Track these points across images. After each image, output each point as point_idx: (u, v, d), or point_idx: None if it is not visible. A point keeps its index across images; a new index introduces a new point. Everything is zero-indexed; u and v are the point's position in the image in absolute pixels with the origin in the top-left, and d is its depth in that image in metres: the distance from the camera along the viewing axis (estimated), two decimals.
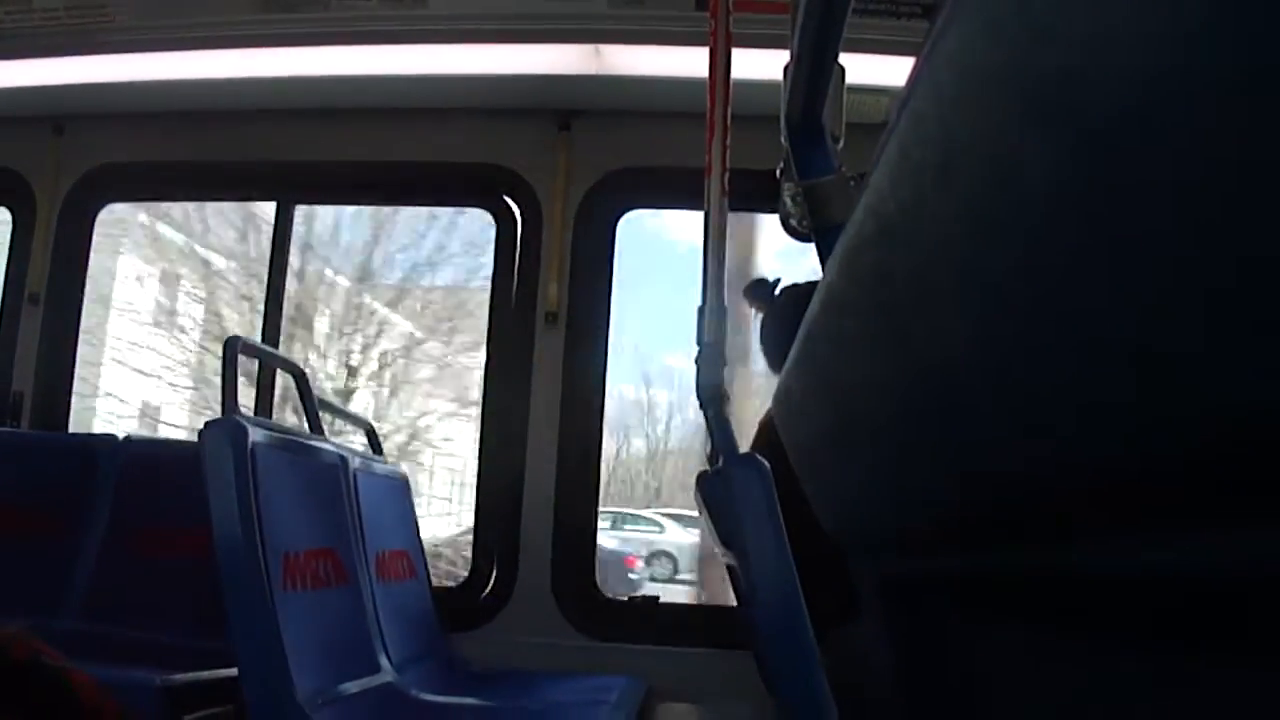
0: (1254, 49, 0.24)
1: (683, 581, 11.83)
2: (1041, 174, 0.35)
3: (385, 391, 12.17)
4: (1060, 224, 0.34)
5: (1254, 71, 0.24)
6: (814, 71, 1.25)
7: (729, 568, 2.52)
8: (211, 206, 10.37)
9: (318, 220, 10.97)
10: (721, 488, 1.72)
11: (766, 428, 2.78)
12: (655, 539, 12.54)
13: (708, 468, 2.22)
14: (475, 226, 10.53)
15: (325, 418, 3.29)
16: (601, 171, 3.73)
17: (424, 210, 10.71)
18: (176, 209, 10.97)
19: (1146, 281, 0.29)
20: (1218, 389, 0.28)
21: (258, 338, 3.71)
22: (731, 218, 1.96)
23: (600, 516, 3.72)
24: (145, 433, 10.62)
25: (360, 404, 11.12)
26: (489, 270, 3.87)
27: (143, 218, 11.25)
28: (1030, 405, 0.40)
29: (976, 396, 0.46)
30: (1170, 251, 0.28)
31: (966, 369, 0.46)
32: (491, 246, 3.85)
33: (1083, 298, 0.33)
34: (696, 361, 1.97)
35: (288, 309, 4.07)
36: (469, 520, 3.80)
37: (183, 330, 11.85)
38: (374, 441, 3.60)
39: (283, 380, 3.87)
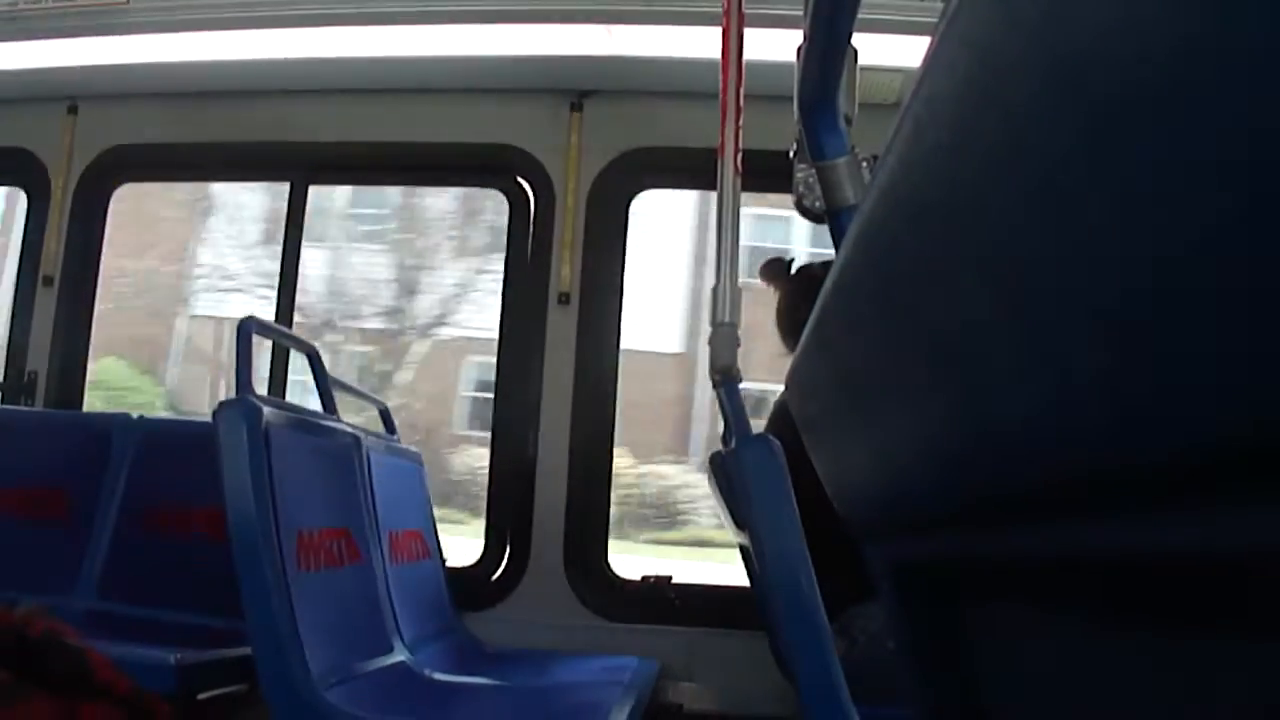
0: (1275, 27, 0.24)
1: None
2: (1056, 155, 0.35)
3: None
4: (1075, 205, 0.34)
5: (1273, 51, 0.24)
6: (827, 52, 1.24)
7: (742, 548, 2.52)
8: None
9: None
10: (734, 468, 1.72)
11: (781, 409, 2.78)
12: None
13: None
14: None
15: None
16: (614, 152, 3.73)
17: None
18: None
19: (1164, 264, 0.29)
20: (1237, 369, 0.27)
21: None
22: None
23: None
24: None
25: None
26: None
27: None
28: (1043, 387, 0.40)
29: (990, 378, 0.46)
30: (1188, 232, 0.28)
31: (980, 351, 0.46)
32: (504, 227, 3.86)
33: (1097, 280, 0.33)
34: (710, 341, 1.97)
35: None
36: None
37: None
38: (388, 421, 3.61)
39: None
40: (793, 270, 2.96)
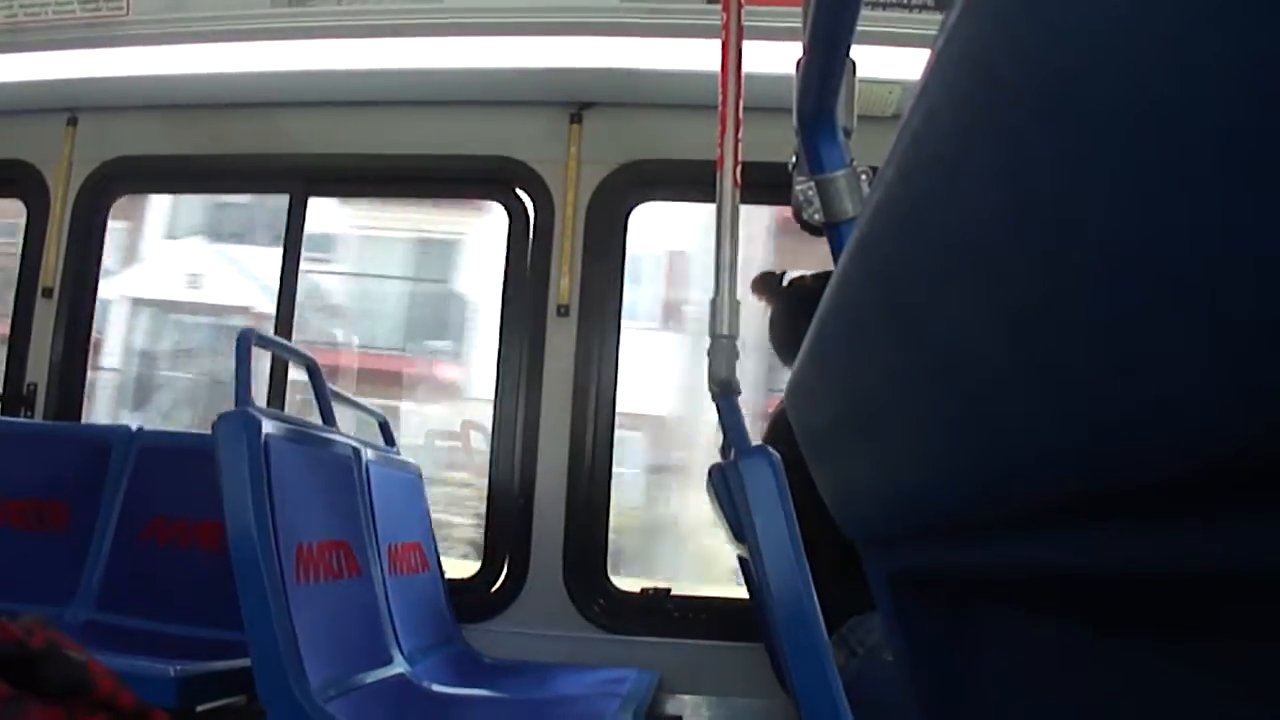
0: (1270, 42, 0.24)
1: None
2: (1054, 168, 0.35)
3: None
4: (1073, 218, 0.34)
5: (1270, 66, 0.24)
6: (825, 65, 1.24)
7: (741, 560, 2.52)
8: None
9: None
10: (733, 480, 1.72)
11: (778, 420, 2.78)
12: None
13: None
14: None
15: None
16: (613, 164, 3.73)
17: None
18: None
19: (1161, 276, 0.30)
20: (1237, 381, 0.28)
21: None
22: None
23: None
24: None
25: None
26: None
27: None
28: (1043, 399, 0.40)
29: (990, 390, 0.46)
30: (1185, 244, 0.28)
31: (978, 363, 0.46)
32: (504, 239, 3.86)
33: (1096, 292, 0.34)
34: (709, 354, 1.97)
35: None
36: None
37: None
38: (387, 434, 3.61)
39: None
40: (784, 283, 2.97)
